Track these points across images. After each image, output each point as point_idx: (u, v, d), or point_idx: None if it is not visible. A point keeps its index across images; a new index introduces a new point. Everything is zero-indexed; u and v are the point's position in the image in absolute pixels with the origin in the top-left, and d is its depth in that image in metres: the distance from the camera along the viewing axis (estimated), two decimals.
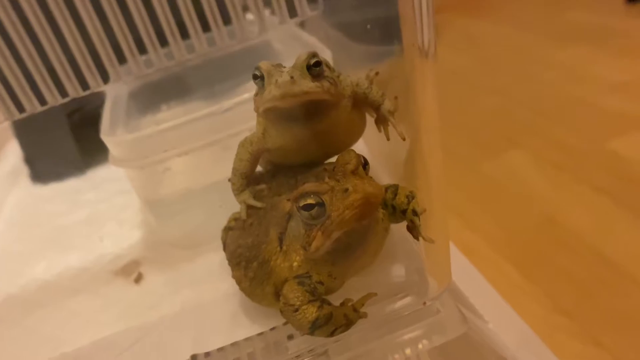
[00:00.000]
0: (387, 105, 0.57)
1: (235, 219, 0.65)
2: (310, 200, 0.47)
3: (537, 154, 2.12)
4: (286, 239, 0.52)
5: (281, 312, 0.52)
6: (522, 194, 1.95)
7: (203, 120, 0.65)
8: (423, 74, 0.47)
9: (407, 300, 0.58)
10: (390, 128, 0.58)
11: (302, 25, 0.89)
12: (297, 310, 0.50)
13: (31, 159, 1.01)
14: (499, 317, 0.65)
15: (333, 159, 0.58)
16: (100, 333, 0.64)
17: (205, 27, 0.54)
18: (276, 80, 0.49)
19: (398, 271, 0.61)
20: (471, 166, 2.03)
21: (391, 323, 0.58)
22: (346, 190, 0.46)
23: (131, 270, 0.72)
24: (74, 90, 0.48)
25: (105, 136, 0.66)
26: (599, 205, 1.84)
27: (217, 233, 0.68)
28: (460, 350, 0.58)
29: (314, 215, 0.47)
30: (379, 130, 0.60)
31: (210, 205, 0.73)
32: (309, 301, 0.51)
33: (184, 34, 0.54)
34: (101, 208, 0.86)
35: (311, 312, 0.50)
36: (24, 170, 1.03)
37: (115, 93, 0.82)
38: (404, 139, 0.55)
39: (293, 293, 0.51)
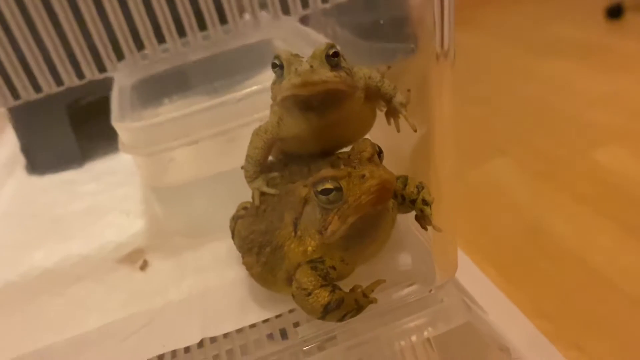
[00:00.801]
0: (399, 97, 0.58)
1: (244, 207, 0.66)
2: (328, 185, 0.48)
3: (521, 163, 2.16)
4: (301, 223, 0.53)
5: (293, 296, 0.53)
6: (506, 202, 1.98)
7: (215, 109, 0.66)
8: (441, 73, 0.49)
9: (413, 287, 0.59)
10: (400, 120, 0.60)
11: (305, 22, 0.91)
12: (310, 294, 0.52)
13: (28, 149, 1.01)
14: (498, 309, 0.67)
15: (341, 151, 0.60)
16: (105, 319, 0.64)
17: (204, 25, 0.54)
18: (296, 69, 0.50)
19: (404, 260, 0.63)
20: (456, 174, 2.07)
21: (397, 310, 0.59)
22: (363, 176, 0.48)
23: (136, 258, 0.72)
24: (68, 79, 0.47)
25: (116, 122, 0.66)
26: (580, 213, 1.88)
27: (223, 222, 0.69)
28: (462, 338, 0.60)
29: (331, 200, 0.49)
30: (389, 123, 0.61)
31: (216, 195, 0.74)
32: (322, 285, 0.52)
33: (181, 31, 0.55)
34: (102, 199, 0.86)
35: (324, 296, 0.51)
36: (20, 161, 1.02)
37: (120, 84, 0.82)
38: (415, 131, 0.57)
39: (306, 277, 0.52)
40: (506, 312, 0.68)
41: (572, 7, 3.36)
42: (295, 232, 0.54)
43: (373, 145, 0.52)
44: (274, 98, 0.54)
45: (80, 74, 0.46)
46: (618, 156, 2.07)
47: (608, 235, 1.77)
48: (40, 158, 1.01)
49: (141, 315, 0.63)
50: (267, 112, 0.67)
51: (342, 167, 0.51)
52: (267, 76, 1.01)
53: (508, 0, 3.61)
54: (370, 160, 0.51)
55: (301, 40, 0.89)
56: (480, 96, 2.57)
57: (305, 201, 0.53)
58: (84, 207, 0.85)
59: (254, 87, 0.67)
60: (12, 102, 0.49)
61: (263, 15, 0.48)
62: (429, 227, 0.57)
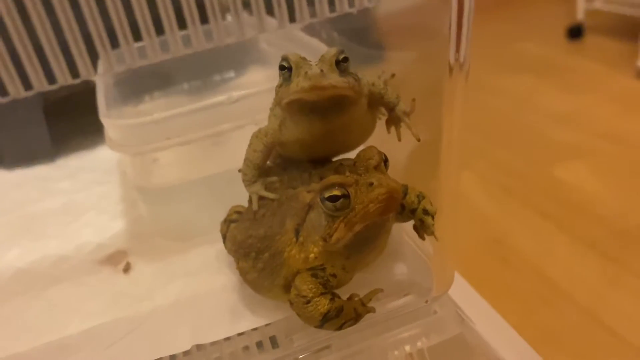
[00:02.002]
0: (402, 106, 0.58)
1: (237, 211, 0.64)
2: (336, 192, 0.47)
3: (485, 177, 2.20)
4: (304, 230, 0.52)
5: (291, 303, 0.52)
6: (470, 215, 2.02)
7: (211, 110, 0.64)
8: (454, 85, 0.49)
9: (409, 298, 0.59)
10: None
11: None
12: (309, 302, 0.51)
13: None
14: (485, 321, 0.67)
15: (344, 157, 0.60)
16: (87, 323, 0.61)
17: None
18: (305, 72, 0.49)
19: (398, 269, 0.62)
20: (421, 186, 2.09)
21: (390, 320, 0.59)
22: (371, 184, 0.47)
23: (118, 260, 0.69)
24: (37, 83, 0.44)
25: (105, 118, 0.64)
26: (542, 228, 1.94)
27: (210, 226, 0.67)
28: (455, 350, 0.60)
29: (338, 207, 0.48)
30: (388, 131, 0.61)
31: (204, 198, 0.72)
32: (321, 293, 0.51)
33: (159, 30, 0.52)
34: (78, 197, 0.83)
35: (323, 304, 0.50)
36: None
37: (103, 78, 0.79)
38: (418, 140, 0.57)
39: (306, 285, 0.51)
40: (494, 324, 0.69)
41: (535, 26, 3.47)
42: (297, 239, 0.53)
43: (380, 153, 0.51)
44: (279, 101, 0.53)
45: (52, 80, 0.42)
46: (578, 173, 2.14)
47: (567, 250, 1.82)
48: (9, 151, 0.96)
49: (126, 321, 0.60)
50: (260, 116, 0.66)
51: (348, 174, 0.50)
52: (252, 77, 1.00)
53: (475, 18, 3.69)
54: (376, 168, 0.50)
55: (290, 43, 0.88)
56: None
57: (309, 207, 0.52)
58: (59, 205, 0.82)
59: (252, 89, 0.65)
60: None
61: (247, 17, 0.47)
62: (428, 239, 0.57)
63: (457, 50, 0.46)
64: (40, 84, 0.39)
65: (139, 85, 0.92)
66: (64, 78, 0.39)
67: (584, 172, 2.14)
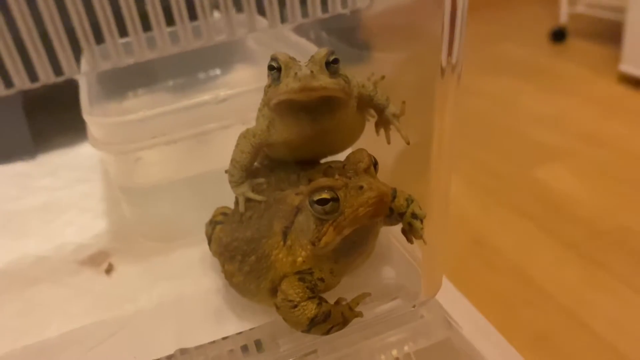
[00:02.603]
0: (391, 108, 0.57)
1: (223, 213, 0.63)
2: (325, 195, 0.47)
3: (468, 177, 2.22)
4: (291, 233, 0.51)
5: (277, 307, 0.52)
6: (452, 216, 2.03)
7: (197, 109, 0.63)
8: (446, 88, 0.48)
9: (396, 302, 0.59)
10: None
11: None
12: (296, 306, 0.50)
13: None
14: (472, 325, 0.67)
15: (333, 160, 0.59)
16: (68, 325, 0.59)
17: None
18: (295, 73, 0.48)
19: (386, 273, 0.62)
20: (409, 190, 2.10)
21: (377, 325, 0.58)
22: (361, 187, 0.47)
23: (100, 261, 0.68)
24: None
25: (88, 116, 0.62)
26: (523, 229, 1.95)
27: (195, 227, 0.66)
28: (442, 354, 0.60)
29: (327, 210, 0.47)
30: (377, 134, 0.60)
31: (187, 198, 0.71)
32: (308, 298, 0.50)
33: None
34: (59, 195, 0.81)
35: (310, 308, 0.50)
36: None
37: (86, 76, 0.77)
38: (408, 143, 0.56)
39: (293, 289, 0.50)
40: (480, 328, 0.69)
41: (518, 29, 3.49)
42: (285, 242, 0.52)
43: (369, 156, 0.51)
44: (267, 101, 0.52)
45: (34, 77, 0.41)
46: (559, 175, 2.16)
47: (547, 250, 1.84)
48: None
49: (108, 323, 0.59)
50: (248, 116, 0.65)
51: (337, 177, 0.49)
52: (238, 75, 0.99)
53: None
54: (366, 171, 0.50)
55: (278, 42, 0.87)
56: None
57: (298, 210, 0.51)
58: (39, 203, 0.80)
59: (239, 89, 0.64)
60: None
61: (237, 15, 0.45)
62: (416, 242, 0.56)
63: (450, 52, 0.46)
64: (22, 82, 0.38)
65: (122, 81, 0.90)
66: (46, 76, 0.38)
67: (565, 174, 2.16)
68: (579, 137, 2.34)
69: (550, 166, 2.22)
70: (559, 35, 3.21)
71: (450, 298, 0.68)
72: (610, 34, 2.96)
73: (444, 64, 0.47)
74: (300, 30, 0.80)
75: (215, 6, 0.40)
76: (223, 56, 1.00)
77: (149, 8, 0.38)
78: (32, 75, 0.37)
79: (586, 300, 1.60)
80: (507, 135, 2.46)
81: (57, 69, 0.37)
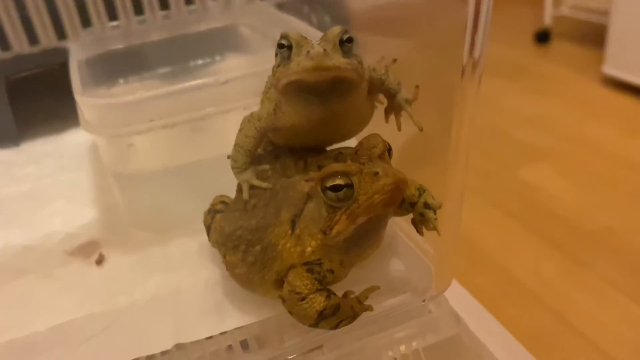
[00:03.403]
0: (404, 94, 0.55)
1: (222, 201, 0.60)
2: (338, 181, 0.44)
3: None
4: (300, 222, 0.49)
5: (283, 300, 0.49)
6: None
7: (196, 92, 0.60)
8: (468, 84, 0.46)
9: (405, 296, 0.56)
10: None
11: (280, 7, 0.86)
12: (303, 299, 0.47)
13: None
14: (479, 322, 0.65)
15: (343, 145, 0.56)
16: (58, 318, 0.56)
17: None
18: (308, 51, 0.45)
19: (394, 266, 0.60)
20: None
21: (385, 320, 0.56)
22: (376, 173, 0.44)
23: (90, 251, 0.64)
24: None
25: (80, 97, 0.59)
26: (508, 228, 1.95)
27: (191, 217, 0.63)
28: (451, 350, 0.57)
29: (340, 197, 0.45)
30: (387, 120, 0.58)
31: (183, 187, 0.68)
32: (317, 290, 0.48)
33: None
34: (46, 183, 0.77)
35: (319, 301, 0.47)
36: None
37: (77, 57, 0.74)
38: (421, 130, 0.54)
39: (301, 280, 0.48)
40: (487, 325, 0.67)
41: (503, 30, 3.50)
42: (293, 231, 0.49)
43: (384, 141, 0.48)
44: (275, 82, 0.49)
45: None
46: (544, 175, 2.17)
47: (533, 250, 1.84)
48: None
49: (100, 317, 0.55)
50: (249, 100, 0.62)
51: (350, 162, 0.47)
52: (231, 63, 0.96)
53: None
54: (380, 157, 0.47)
55: (275, 28, 0.84)
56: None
57: (308, 197, 0.48)
58: (24, 192, 0.76)
59: (242, 72, 0.61)
60: None
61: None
62: (427, 235, 0.54)
63: (472, 48, 0.43)
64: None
65: (112, 67, 0.87)
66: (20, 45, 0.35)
67: (549, 174, 2.17)
68: (563, 137, 2.36)
69: (534, 166, 2.23)
70: (543, 37, 3.23)
71: (454, 294, 0.66)
72: (594, 36, 2.98)
73: (465, 60, 0.45)
74: (300, 15, 0.77)
75: None
76: (215, 44, 0.97)
77: None
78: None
79: (572, 301, 1.60)
80: (492, 135, 2.46)
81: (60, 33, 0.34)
